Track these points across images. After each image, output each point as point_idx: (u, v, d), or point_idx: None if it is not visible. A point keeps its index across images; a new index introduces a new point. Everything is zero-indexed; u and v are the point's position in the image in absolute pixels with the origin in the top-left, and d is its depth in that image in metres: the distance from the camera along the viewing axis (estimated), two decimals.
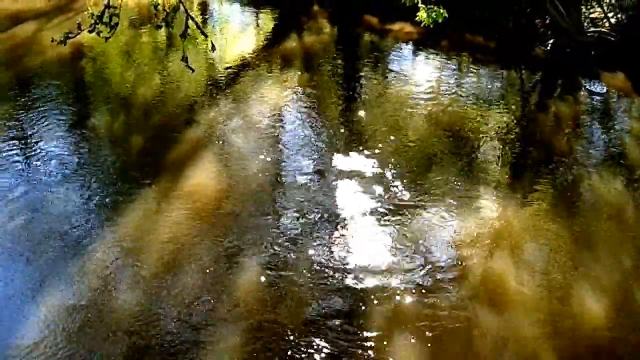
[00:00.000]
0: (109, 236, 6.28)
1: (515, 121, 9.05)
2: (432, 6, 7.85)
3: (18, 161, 7.59)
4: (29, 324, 5.22)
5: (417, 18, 7.92)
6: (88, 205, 6.81)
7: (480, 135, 8.52)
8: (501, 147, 8.33)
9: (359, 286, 5.71)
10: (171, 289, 5.62)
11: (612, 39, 11.01)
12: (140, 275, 5.77)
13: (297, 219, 6.66)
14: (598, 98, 10.40)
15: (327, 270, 5.91)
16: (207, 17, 14.01)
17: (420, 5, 7.87)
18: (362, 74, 10.74)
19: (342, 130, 8.50)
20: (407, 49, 11.99)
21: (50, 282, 5.67)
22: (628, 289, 5.83)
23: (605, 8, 11.72)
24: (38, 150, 7.81)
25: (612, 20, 11.50)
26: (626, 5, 11.60)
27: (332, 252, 6.14)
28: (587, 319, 5.45)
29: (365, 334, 5.23)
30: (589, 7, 12.09)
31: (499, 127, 8.77)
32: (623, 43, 10.82)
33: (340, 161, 7.69)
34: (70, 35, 8.38)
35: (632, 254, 6.27)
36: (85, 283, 5.66)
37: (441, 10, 7.90)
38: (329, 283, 5.75)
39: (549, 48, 11.45)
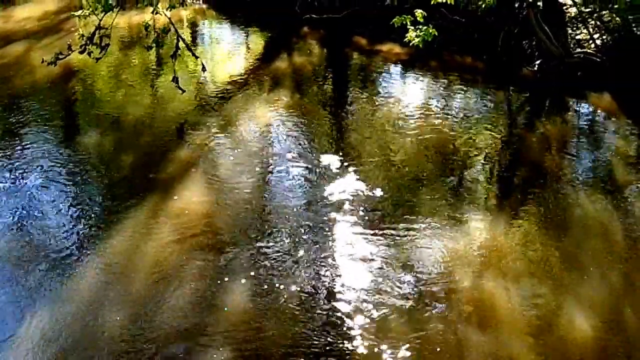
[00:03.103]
0: (96, 256, 6.23)
1: (503, 141, 9.12)
2: (420, 26, 7.94)
3: (5, 179, 7.55)
4: (13, 345, 5.17)
5: (405, 39, 8.01)
6: (76, 225, 6.77)
7: (469, 155, 8.57)
8: (489, 166, 8.39)
9: (347, 307, 5.69)
10: (158, 310, 5.58)
11: (598, 60, 11.16)
12: (127, 296, 5.73)
13: (285, 239, 6.64)
14: (585, 118, 10.51)
15: (314, 292, 5.88)
16: (197, 37, 14.08)
17: (409, 26, 7.97)
18: (350, 94, 10.81)
19: (331, 150, 8.52)
20: (396, 69, 12.09)
21: (35, 303, 5.61)
22: (618, 308, 5.84)
23: (591, 30, 11.90)
24: (26, 169, 7.77)
25: (598, 42, 11.67)
26: (612, 26, 11.78)
27: (319, 274, 6.11)
28: (577, 338, 5.46)
29: (353, 355, 5.21)
30: (575, 28, 12.26)
31: (487, 146, 8.83)
32: (609, 64, 10.97)
33: (328, 181, 7.71)
34: (60, 55, 8.43)
35: (621, 273, 6.30)
36: (72, 303, 5.62)
37: (430, 30, 7.99)
38: (316, 305, 5.73)
39: (536, 69, 11.58)
